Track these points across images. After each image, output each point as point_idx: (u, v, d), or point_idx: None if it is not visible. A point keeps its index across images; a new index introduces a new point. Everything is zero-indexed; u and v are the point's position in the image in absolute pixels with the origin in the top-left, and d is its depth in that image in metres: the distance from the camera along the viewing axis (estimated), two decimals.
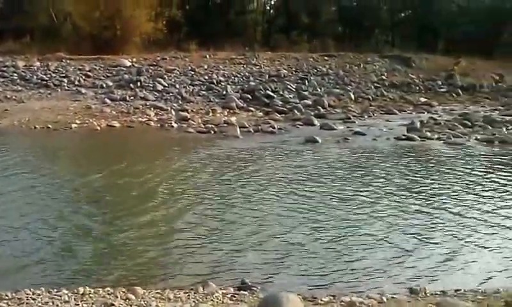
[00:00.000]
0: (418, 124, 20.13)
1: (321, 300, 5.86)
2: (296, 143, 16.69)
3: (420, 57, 36.03)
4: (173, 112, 21.40)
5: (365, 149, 15.92)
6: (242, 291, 6.13)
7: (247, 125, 19.34)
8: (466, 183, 11.86)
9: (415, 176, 12.60)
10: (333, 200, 10.24)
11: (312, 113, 22.65)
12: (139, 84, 25.01)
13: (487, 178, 12.52)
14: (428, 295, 6.04)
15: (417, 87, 31.33)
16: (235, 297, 5.95)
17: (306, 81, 29.51)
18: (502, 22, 41.36)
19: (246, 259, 7.17)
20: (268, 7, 47.98)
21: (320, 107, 23.93)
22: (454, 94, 30.57)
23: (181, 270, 6.83)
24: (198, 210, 9.47)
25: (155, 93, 24.31)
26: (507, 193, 10.99)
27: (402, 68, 34.74)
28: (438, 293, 6.12)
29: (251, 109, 23.25)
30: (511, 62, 35.45)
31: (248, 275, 6.59)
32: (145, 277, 6.58)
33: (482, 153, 15.85)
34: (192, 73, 28.52)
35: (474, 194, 10.87)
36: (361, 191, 10.94)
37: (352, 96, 27.31)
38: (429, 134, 18.61)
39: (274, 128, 19.18)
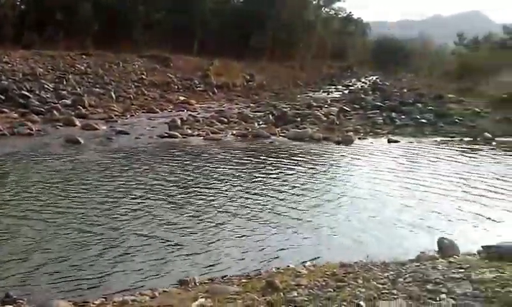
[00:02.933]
0: (178, 122, 20.87)
1: (93, 303, 5.78)
2: (57, 145, 16.06)
3: (177, 57, 37.10)
4: None
5: (129, 149, 16.01)
6: (7, 306, 5.72)
7: (1, 128, 17.88)
8: (224, 175, 12.71)
9: (178, 172, 13.09)
10: (100, 203, 10.05)
11: (73, 113, 21.96)
12: None
13: (244, 169, 13.56)
14: (197, 284, 6.30)
15: (176, 87, 32.40)
16: None
17: (65, 80, 28.40)
18: (252, 25, 44.58)
19: (10, 272, 6.72)
20: (18, 2, 44.47)
21: (80, 107, 23.29)
22: (210, 93, 32.32)
23: None
24: None
25: None
26: (261, 181, 12.10)
27: (161, 68, 35.49)
28: (207, 281, 6.44)
29: (5, 110, 21.49)
30: (260, 63, 38.64)
31: (12, 288, 6.19)
32: None
33: (238, 146, 17.14)
34: None
35: (231, 185, 11.71)
36: (127, 191, 10.98)
37: (113, 96, 27.13)
38: (189, 131, 19.46)
39: (32, 130, 18.10)
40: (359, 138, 19.49)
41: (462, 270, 5.38)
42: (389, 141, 18.98)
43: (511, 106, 23.26)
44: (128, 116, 23.33)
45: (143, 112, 24.56)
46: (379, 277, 5.33)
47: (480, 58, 33.21)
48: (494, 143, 19.28)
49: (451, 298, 4.44)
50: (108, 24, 42.40)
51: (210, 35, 43.43)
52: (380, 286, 4.96)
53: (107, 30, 41.70)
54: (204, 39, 43.42)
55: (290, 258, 7.24)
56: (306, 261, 6.91)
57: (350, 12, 64.77)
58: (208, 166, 13.88)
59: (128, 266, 7.03)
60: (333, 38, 57.55)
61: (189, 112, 24.44)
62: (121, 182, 11.78)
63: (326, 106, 26.78)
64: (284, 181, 12.25)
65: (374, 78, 45.24)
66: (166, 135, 18.62)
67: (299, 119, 22.59)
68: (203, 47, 41.05)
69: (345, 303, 4.46)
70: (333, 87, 40.25)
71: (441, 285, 4.84)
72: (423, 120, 22.40)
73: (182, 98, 29.38)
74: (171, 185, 11.68)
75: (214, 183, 11.92)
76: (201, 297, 5.37)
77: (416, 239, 8.18)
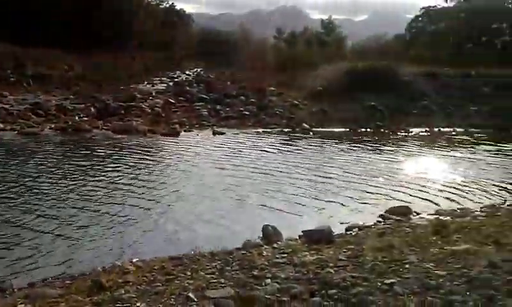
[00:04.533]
0: None
1: None
2: None
3: None
4: None
5: None
6: None
7: None
8: (43, 173, 11.91)
9: None
10: None
11: None
12: None
13: (63, 166, 12.83)
14: (16, 290, 5.90)
15: None
16: None
17: None
18: (76, 13, 42.15)
19: None
20: None
21: None
22: (25, 84, 30.10)
23: None
24: None
25: None
26: (83, 178, 11.55)
27: None
28: (26, 286, 6.05)
29: None
30: (82, 53, 36.91)
31: None
32: None
33: (57, 140, 16.24)
34: None
35: (51, 183, 11.02)
36: None
37: None
38: (1, 125, 18.00)
39: None
40: (185, 130, 19.60)
41: (285, 255, 5.65)
42: (214, 133, 19.35)
43: (326, 98, 25.05)
44: None
45: None
46: (207, 267, 5.42)
47: (298, 52, 35.17)
48: (311, 133, 20.62)
49: (276, 282, 4.64)
50: None
51: (29, 21, 40.40)
52: (208, 276, 5.06)
53: None
54: (21, 25, 40.28)
55: (117, 256, 7.02)
56: (134, 258, 6.74)
57: (173, 3, 64.66)
58: (24, 164, 12.92)
59: None
60: (157, 28, 56.99)
61: (1, 105, 22.53)
62: None
63: (150, 98, 26.41)
64: (108, 177, 11.83)
65: (199, 70, 45.63)
66: None
67: (123, 111, 22.04)
68: (20, 33, 38.06)
69: (174, 296, 4.47)
70: (158, 79, 39.80)
71: (266, 271, 5.04)
72: (246, 112, 23.21)
73: None
74: None
75: (31, 182, 11.09)
76: (21, 303, 5.02)
77: (243, 227, 8.38)
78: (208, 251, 6.22)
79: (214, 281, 4.87)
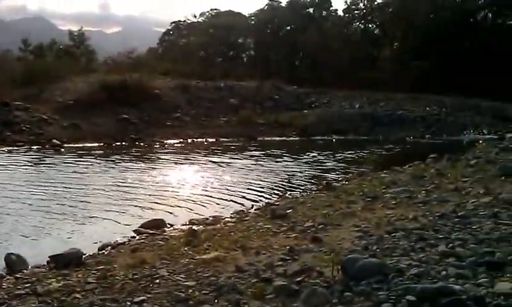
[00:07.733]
0: None
1: None
2: None
3: None
4: None
5: None
6: None
7: None
8: None
9: None
10: None
11: None
12: None
13: None
14: None
15: None
16: None
17: None
18: None
19: None
20: None
21: None
22: None
23: None
24: None
25: None
26: None
27: None
28: None
29: None
30: None
31: None
32: None
33: None
34: None
35: None
36: None
37: None
38: None
39: None
40: None
41: (28, 285, 5.22)
42: None
43: (78, 112, 24.12)
44: None
45: None
46: None
47: (46, 64, 33.33)
48: (63, 150, 19.66)
49: None
50: None
51: None
52: None
53: None
54: None
55: None
56: None
57: None
58: None
59: None
60: None
61: None
62: None
63: None
64: None
65: None
66: None
67: None
68: None
69: None
70: None
71: (5, 305, 4.60)
72: None
73: None
74: None
75: None
76: None
77: None
78: None
79: None
